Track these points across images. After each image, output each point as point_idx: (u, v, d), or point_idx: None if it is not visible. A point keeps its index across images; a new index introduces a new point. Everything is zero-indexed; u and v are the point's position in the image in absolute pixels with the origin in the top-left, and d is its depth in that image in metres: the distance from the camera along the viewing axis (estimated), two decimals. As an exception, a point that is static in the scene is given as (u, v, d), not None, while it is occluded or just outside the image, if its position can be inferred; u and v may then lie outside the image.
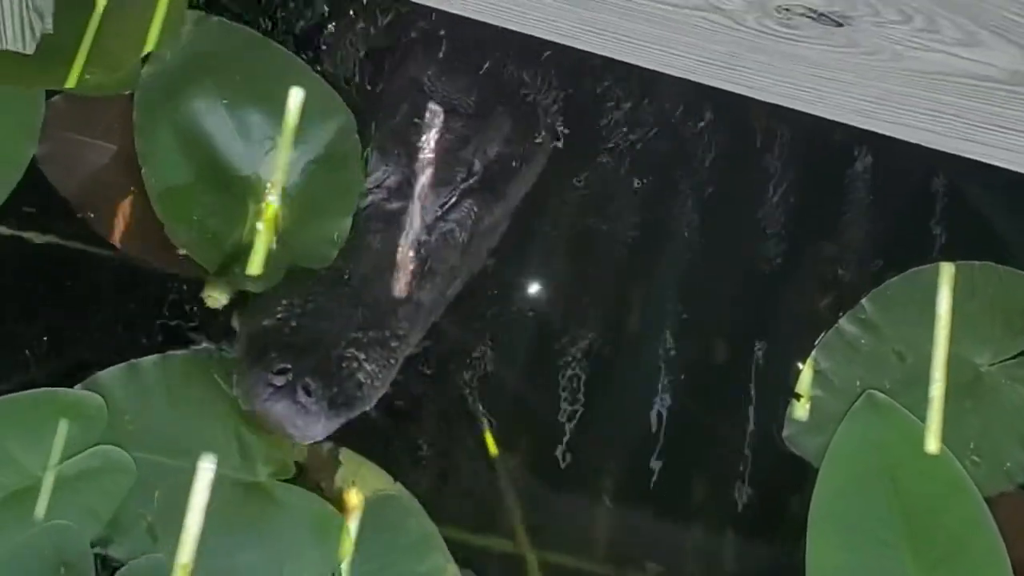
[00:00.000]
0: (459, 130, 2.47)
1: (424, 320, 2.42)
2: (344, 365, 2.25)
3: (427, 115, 2.47)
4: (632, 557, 2.51)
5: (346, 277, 2.35)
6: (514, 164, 2.54)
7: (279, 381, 2.21)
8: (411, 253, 2.39)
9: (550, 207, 2.66)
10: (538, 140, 2.59)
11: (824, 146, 2.66)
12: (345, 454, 2.41)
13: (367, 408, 2.30)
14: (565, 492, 2.52)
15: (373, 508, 2.37)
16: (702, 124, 2.69)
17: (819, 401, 2.53)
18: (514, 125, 2.54)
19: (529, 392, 2.58)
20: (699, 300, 2.65)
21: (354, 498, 2.36)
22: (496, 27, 2.37)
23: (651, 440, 2.55)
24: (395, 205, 2.42)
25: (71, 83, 2.36)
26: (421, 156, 2.45)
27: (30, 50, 2.32)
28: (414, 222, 2.41)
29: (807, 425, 2.52)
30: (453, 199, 2.45)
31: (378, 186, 2.44)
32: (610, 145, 2.67)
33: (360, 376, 2.26)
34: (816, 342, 2.56)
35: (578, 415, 2.54)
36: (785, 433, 2.53)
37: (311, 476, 2.38)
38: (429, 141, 2.46)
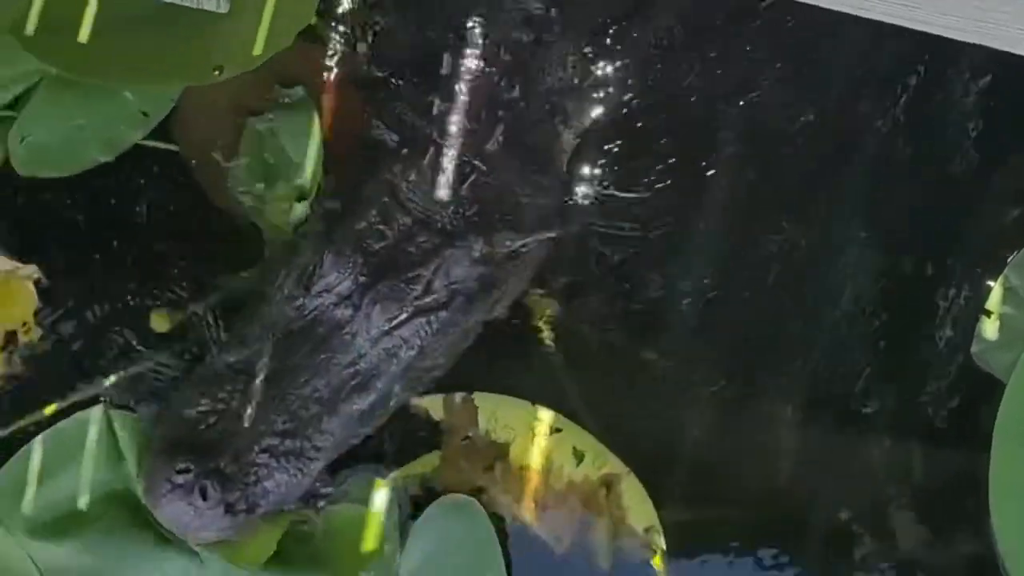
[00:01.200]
0: (424, 245, 2.40)
1: (350, 432, 2.36)
2: (253, 471, 2.23)
3: (394, 224, 2.41)
4: (823, 465, 2.63)
5: (275, 379, 2.30)
6: (482, 287, 2.44)
7: (179, 480, 2.20)
8: (349, 365, 2.33)
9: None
10: (516, 262, 2.49)
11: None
12: (479, 397, 2.54)
13: (269, 512, 2.29)
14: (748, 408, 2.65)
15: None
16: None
17: (1009, 318, 2.55)
18: (488, 248, 2.44)
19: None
20: (891, 215, 2.69)
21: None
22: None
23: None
24: (342, 312, 2.34)
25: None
26: (378, 266, 2.38)
27: (224, 8, 2.51)
28: (359, 333, 2.34)
29: (996, 342, 2.55)
30: (404, 315, 2.37)
31: (328, 290, 2.36)
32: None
33: (267, 484, 2.25)
34: (1008, 260, 2.58)
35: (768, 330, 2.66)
36: (974, 349, 2.57)
37: (455, 433, 2.52)
38: (390, 251, 2.39)
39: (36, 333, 2.52)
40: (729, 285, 2.64)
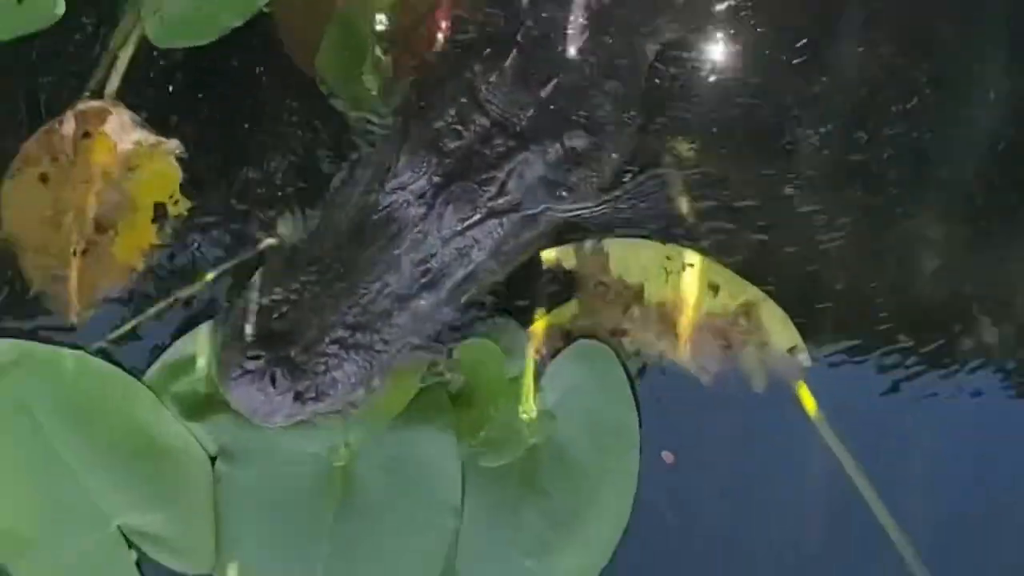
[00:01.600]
0: (499, 148, 2.41)
1: (419, 329, 2.38)
2: (323, 361, 2.26)
3: (471, 125, 2.43)
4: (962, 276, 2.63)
5: (349, 273, 2.31)
6: (555, 191, 2.46)
7: (251, 366, 2.22)
8: (421, 263, 2.35)
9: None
10: (592, 176, 2.50)
11: None
12: (609, 243, 2.56)
13: (340, 404, 2.31)
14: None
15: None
16: None
17: None
18: (563, 152, 2.46)
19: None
20: None
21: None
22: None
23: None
24: (415, 211, 2.35)
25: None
26: (453, 166, 2.40)
27: None
28: (431, 231, 2.36)
29: None
30: (477, 216, 2.38)
31: (402, 188, 2.37)
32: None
33: (336, 374, 2.27)
34: None
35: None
36: None
37: (588, 278, 2.54)
38: (465, 152, 2.41)
39: (184, 205, 2.60)
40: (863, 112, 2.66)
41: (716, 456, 2.52)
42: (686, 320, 2.53)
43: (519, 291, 2.53)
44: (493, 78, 2.46)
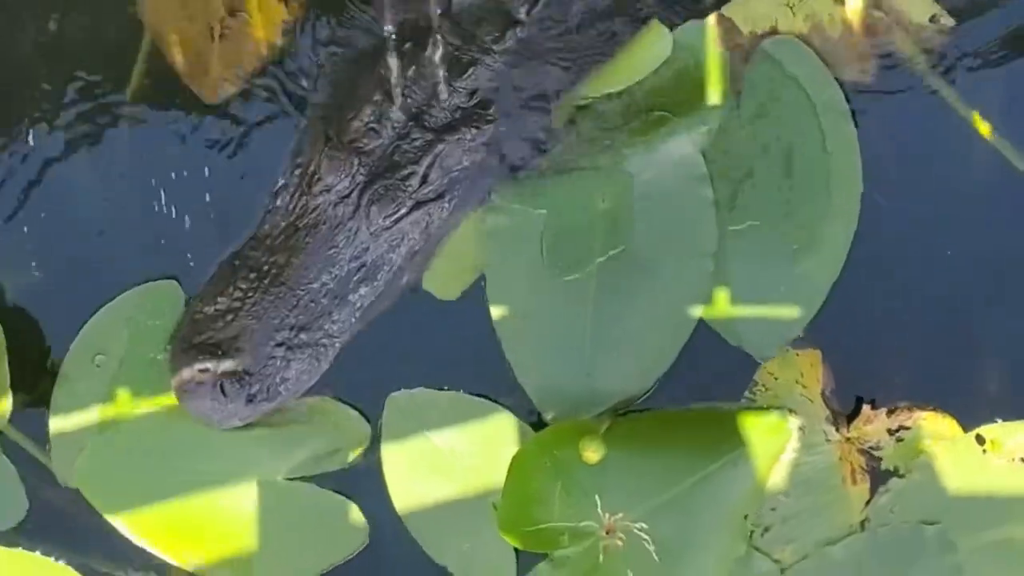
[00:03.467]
0: (417, 143, 2.50)
1: (362, 318, 2.49)
2: (270, 363, 2.38)
3: (387, 123, 2.51)
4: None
5: (287, 276, 2.42)
6: (472, 176, 2.55)
7: (201, 378, 2.36)
8: (354, 259, 2.45)
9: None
10: (503, 152, 2.59)
11: None
12: (726, 10, 2.65)
13: (292, 397, 2.45)
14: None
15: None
16: None
17: None
18: (478, 138, 2.55)
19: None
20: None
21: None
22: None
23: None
24: (343, 210, 2.46)
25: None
26: (374, 165, 2.49)
27: None
28: (360, 228, 2.45)
29: None
30: (403, 210, 2.47)
31: (328, 190, 2.47)
32: None
33: (285, 373, 2.40)
34: None
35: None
36: None
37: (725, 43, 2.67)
38: (384, 150, 2.50)
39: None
40: None
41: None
42: (822, 35, 2.67)
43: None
44: (411, 72, 2.55)
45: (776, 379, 2.52)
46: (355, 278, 2.45)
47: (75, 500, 2.52)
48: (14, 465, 2.55)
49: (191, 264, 2.60)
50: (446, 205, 2.52)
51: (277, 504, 2.48)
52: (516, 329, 2.52)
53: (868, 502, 2.46)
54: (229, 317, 2.40)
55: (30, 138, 2.71)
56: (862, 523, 2.45)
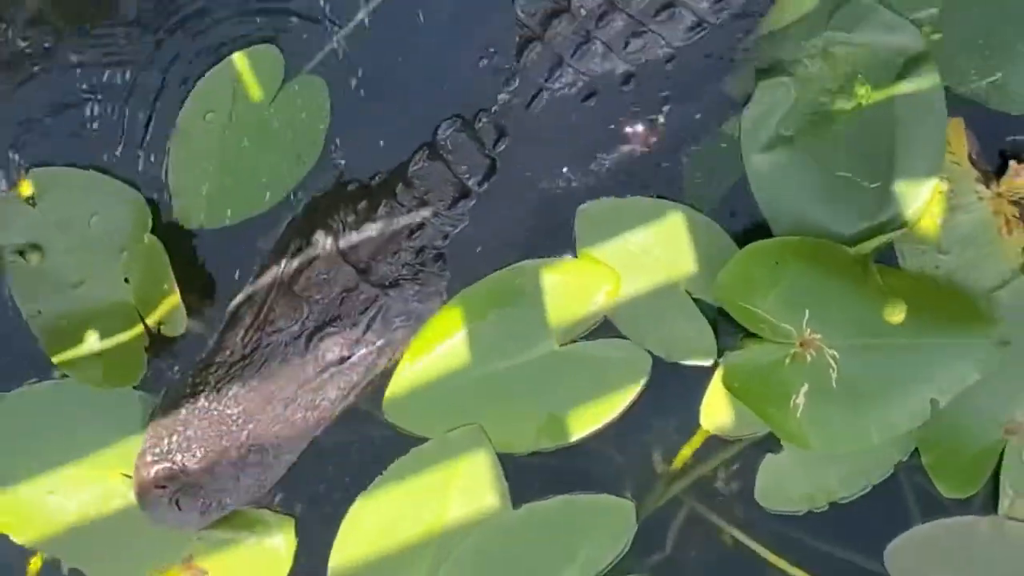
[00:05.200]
0: (365, 295, 2.68)
1: (309, 436, 2.68)
2: (221, 480, 2.60)
3: (338, 276, 2.69)
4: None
5: (238, 402, 2.63)
6: (412, 320, 2.73)
7: (159, 493, 2.58)
8: (303, 391, 2.65)
9: None
10: (439, 294, 2.75)
11: None
12: None
13: (245, 503, 2.66)
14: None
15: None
16: None
17: None
18: (420, 290, 2.73)
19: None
20: None
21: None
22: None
23: None
24: (292, 348, 2.66)
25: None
26: (324, 311, 2.67)
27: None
28: (308, 366, 2.66)
29: None
30: (348, 352, 2.66)
31: (279, 331, 2.66)
32: None
33: (236, 488, 2.62)
34: None
35: None
36: None
37: None
38: (335, 299, 2.68)
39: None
40: None
41: None
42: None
43: None
44: (360, 229, 2.72)
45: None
46: (303, 408, 2.67)
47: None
48: None
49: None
50: (388, 349, 2.72)
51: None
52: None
53: (1025, 248, 2.69)
54: (188, 435, 2.61)
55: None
56: (1022, 267, 2.68)
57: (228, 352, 2.68)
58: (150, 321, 2.77)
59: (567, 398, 2.72)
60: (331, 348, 2.66)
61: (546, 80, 2.73)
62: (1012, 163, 2.70)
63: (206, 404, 2.63)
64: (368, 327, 2.68)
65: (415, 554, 2.68)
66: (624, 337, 2.73)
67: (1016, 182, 2.69)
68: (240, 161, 2.85)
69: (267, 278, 2.73)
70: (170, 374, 2.77)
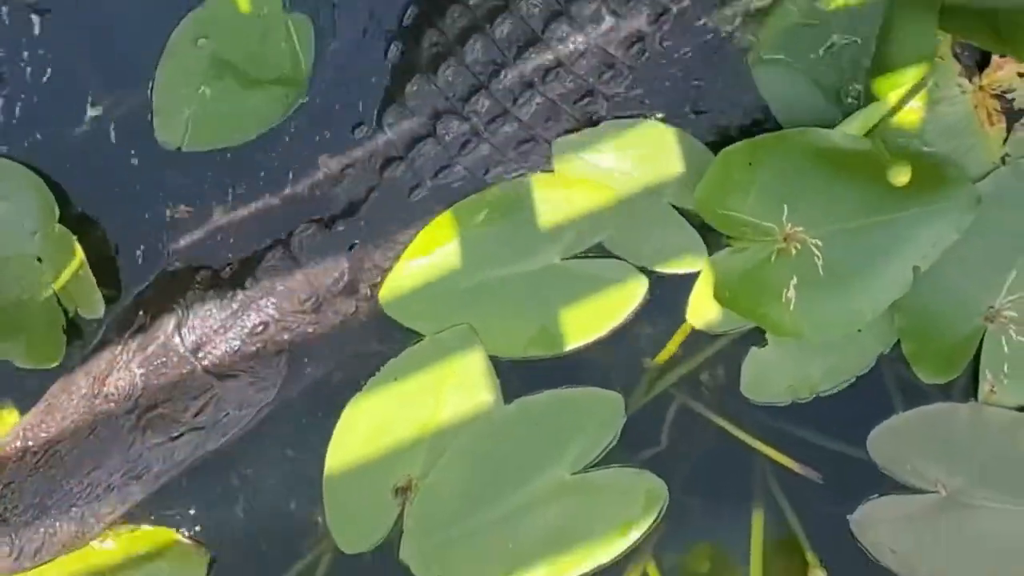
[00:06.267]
0: (199, 382, 2.72)
1: (129, 501, 2.73)
2: (38, 533, 2.66)
3: (175, 358, 2.72)
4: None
5: (64, 463, 2.69)
6: (243, 410, 2.76)
7: None
8: (128, 461, 2.71)
9: None
10: (274, 387, 2.79)
11: None
12: None
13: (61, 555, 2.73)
14: None
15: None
16: None
17: None
18: (255, 383, 2.76)
19: None
20: None
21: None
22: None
23: None
24: (123, 422, 2.71)
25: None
26: (157, 392, 2.72)
27: None
28: (136, 441, 2.71)
29: None
30: (176, 434, 2.72)
31: (112, 403, 2.71)
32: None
33: (50, 542, 2.68)
34: None
35: None
36: None
37: None
38: (169, 381, 2.72)
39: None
40: None
41: None
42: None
43: None
44: (199, 314, 2.75)
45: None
46: (126, 477, 2.72)
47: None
48: None
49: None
50: (216, 434, 2.76)
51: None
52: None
53: (1006, 140, 2.72)
54: (12, 486, 2.68)
55: None
56: (1003, 158, 2.72)
57: (59, 416, 2.73)
58: (67, 304, 2.82)
59: (560, 311, 2.76)
60: (159, 426, 2.71)
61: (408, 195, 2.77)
62: (994, 57, 2.73)
63: (34, 459, 2.69)
64: (199, 412, 2.73)
65: (410, 452, 2.74)
66: (617, 257, 2.79)
67: (997, 76, 2.73)
68: (225, 91, 2.89)
69: (107, 352, 2.76)
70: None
